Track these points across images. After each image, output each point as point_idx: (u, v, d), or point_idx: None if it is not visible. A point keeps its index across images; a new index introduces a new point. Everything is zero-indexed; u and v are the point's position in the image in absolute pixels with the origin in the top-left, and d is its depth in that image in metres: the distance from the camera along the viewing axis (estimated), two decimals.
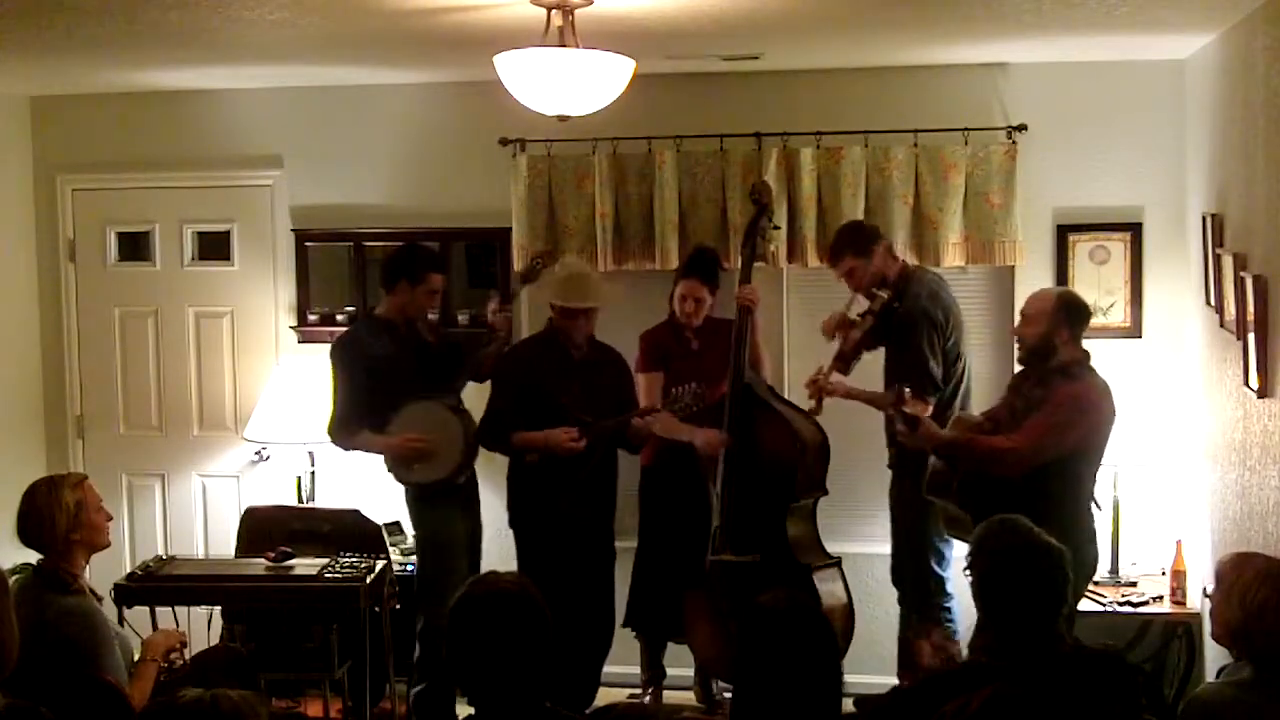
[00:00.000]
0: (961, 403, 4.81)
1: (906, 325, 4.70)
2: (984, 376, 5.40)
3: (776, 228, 5.17)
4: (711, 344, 4.97)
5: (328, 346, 5.80)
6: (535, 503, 4.87)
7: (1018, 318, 5.24)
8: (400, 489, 5.30)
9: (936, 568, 4.85)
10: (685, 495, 4.95)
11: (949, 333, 4.76)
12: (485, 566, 4.97)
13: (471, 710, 2.73)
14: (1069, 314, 4.27)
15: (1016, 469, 4.12)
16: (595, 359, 4.91)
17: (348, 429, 4.91)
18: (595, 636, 4.97)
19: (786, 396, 5.23)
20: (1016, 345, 4.40)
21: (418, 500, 5.00)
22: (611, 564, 5.00)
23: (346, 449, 5.03)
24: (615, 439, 4.87)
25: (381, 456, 4.96)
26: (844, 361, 4.77)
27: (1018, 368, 5.18)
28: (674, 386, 4.75)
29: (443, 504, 4.93)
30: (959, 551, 4.89)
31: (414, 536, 5.20)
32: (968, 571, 3.17)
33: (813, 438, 4.82)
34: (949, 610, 4.88)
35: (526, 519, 4.92)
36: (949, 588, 4.87)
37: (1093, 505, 4.30)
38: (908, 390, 4.23)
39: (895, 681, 5.00)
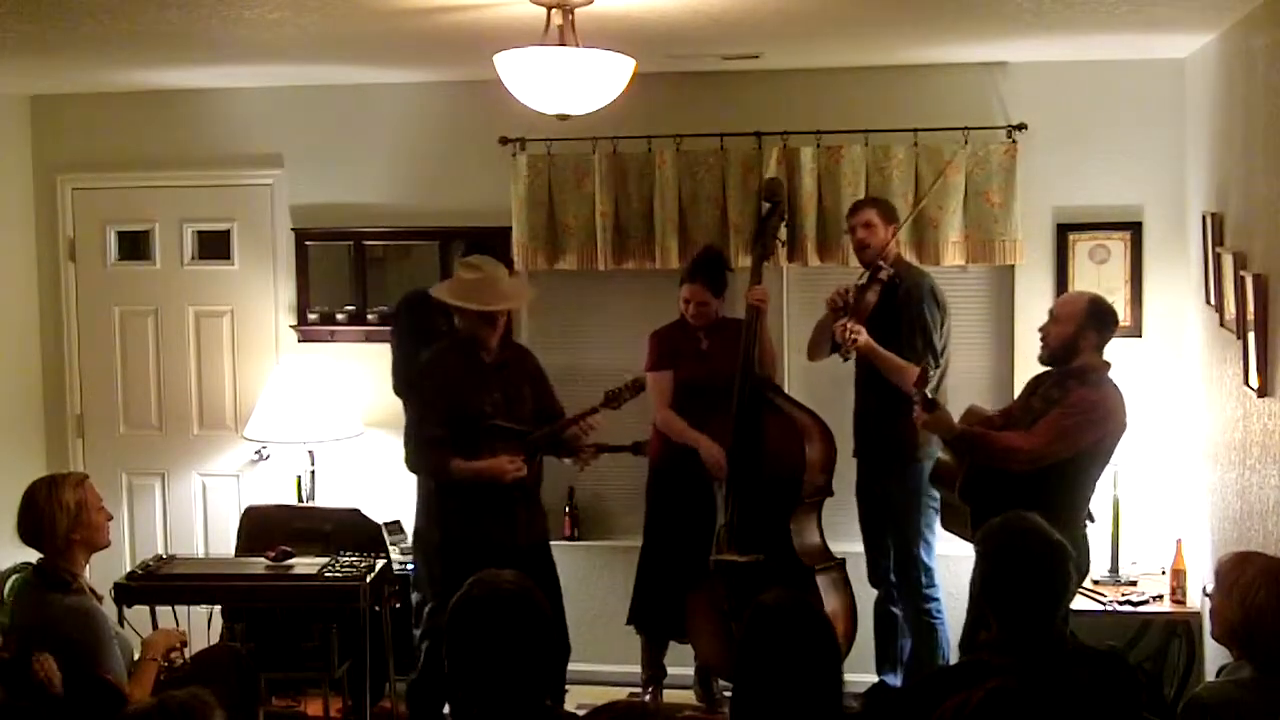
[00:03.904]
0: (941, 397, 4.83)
1: (912, 297, 4.73)
2: (984, 376, 5.42)
3: (789, 226, 5.18)
4: (721, 343, 4.96)
5: (328, 346, 5.87)
6: (468, 527, 4.59)
7: (1018, 316, 5.31)
8: (402, 488, 5.31)
9: (924, 557, 4.86)
10: (691, 494, 4.95)
11: (945, 316, 4.81)
12: None
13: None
14: (1098, 319, 4.28)
15: (1026, 467, 4.13)
16: (507, 360, 4.70)
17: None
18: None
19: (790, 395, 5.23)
20: (1040, 344, 4.38)
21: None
22: (556, 578, 4.75)
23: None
24: (551, 446, 4.70)
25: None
26: (859, 322, 4.74)
27: (1018, 368, 5.22)
28: (618, 386, 4.68)
29: None
30: (943, 549, 4.92)
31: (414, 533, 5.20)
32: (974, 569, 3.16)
33: (819, 438, 4.82)
34: (936, 601, 4.89)
35: (456, 543, 4.59)
36: (935, 578, 4.89)
37: (1087, 516, 4.30)
38: (931, 370, 4.21)
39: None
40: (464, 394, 4.58)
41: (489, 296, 4.56)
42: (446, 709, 4.97)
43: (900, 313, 4.72)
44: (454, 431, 4.55)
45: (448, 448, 4.53)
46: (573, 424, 4.61)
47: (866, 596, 5.03)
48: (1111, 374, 4.30)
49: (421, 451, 4.61)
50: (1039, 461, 4.13)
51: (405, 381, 5.01)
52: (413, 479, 5.16)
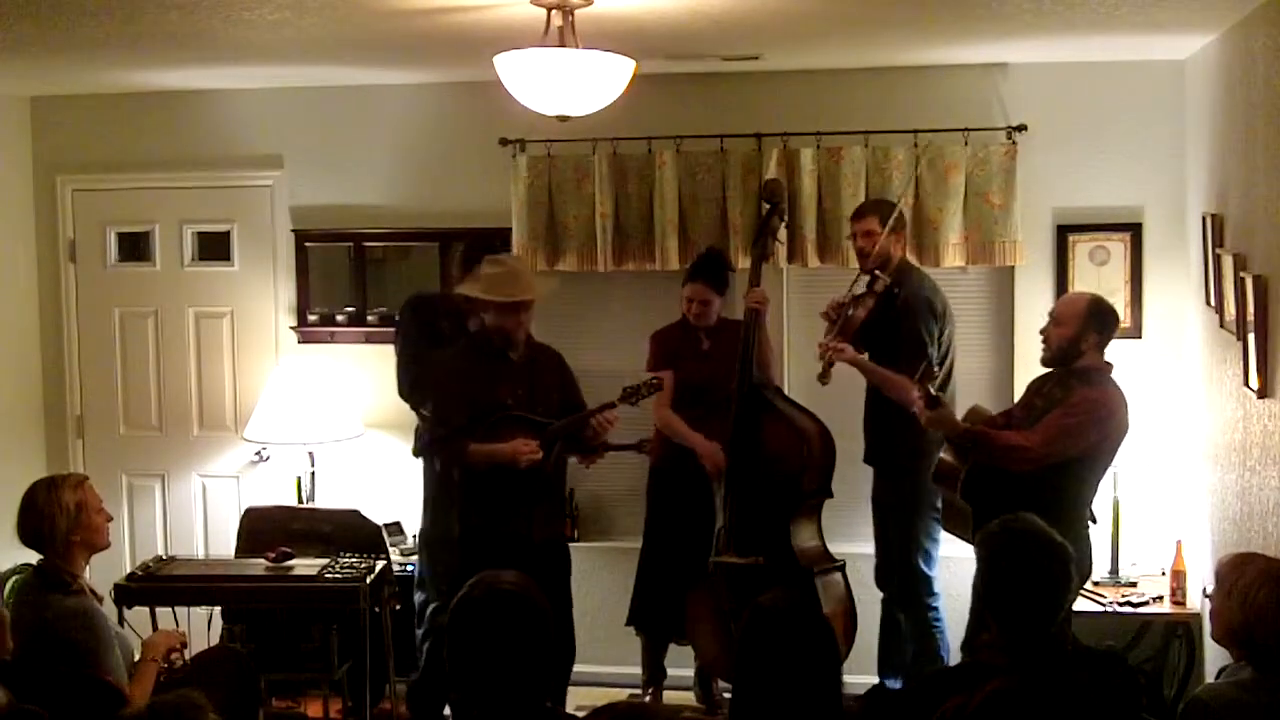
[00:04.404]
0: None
1: (908, 309, 4.72)
2: (984, 376, 5.42)
3: (788, 228, 5.17)
4: (722, 344, 4.95)
5: (328, 347, 5.87)
6: (485, 518, 4.60)
7: (1018, 316, 5.30)
8: (402, 489, 5.31)
9: (924, 567, 4.85)
10: (691, 496, 4.94)
11: (945, 325, 4.78)
12: None
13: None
14: (1099, 319, 4.29)
15: (1028, 466, 4.13)
16: (534, 358, 4.70)
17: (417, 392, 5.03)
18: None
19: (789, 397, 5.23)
20: (1042, 346, 4.38)
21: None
22: (567, 578, 4.75)
23: (418, 410, 5.09)
24: (570, 441, 4.67)
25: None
26: (846, 337, 4.74)
27: (1018, 368, 5.22)
28: (636, 383, 4.67)
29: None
30: (945, 551, 4.92)
31: (420, 533, 5.24)
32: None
33: (818, 440, 4.81)
34: (936, 610, 4.89)
35: (474, 534, 4.60)
36: (935, 587, 4.88)
37: (1089, 516, 4.30)
38: (936, 367, 4.20)
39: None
40: (487, 387, 4.58)
41: (514, 288, 4.56)
42: (447, 710, 4.99)
43: (897, 324, 4.71)
44: (473, 421, 4.55)
45: (466, 436, 4.53)
46: (590, 418, 4.59)
47: (871, 599, 5.03)
48: (1114, 375, 4.30)
49: (439, 439, 4.62)
50: (1042, 460, 4.13)
51: (412, 384, 5.04)
52: (414, 480, 5.18)
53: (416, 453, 5.12)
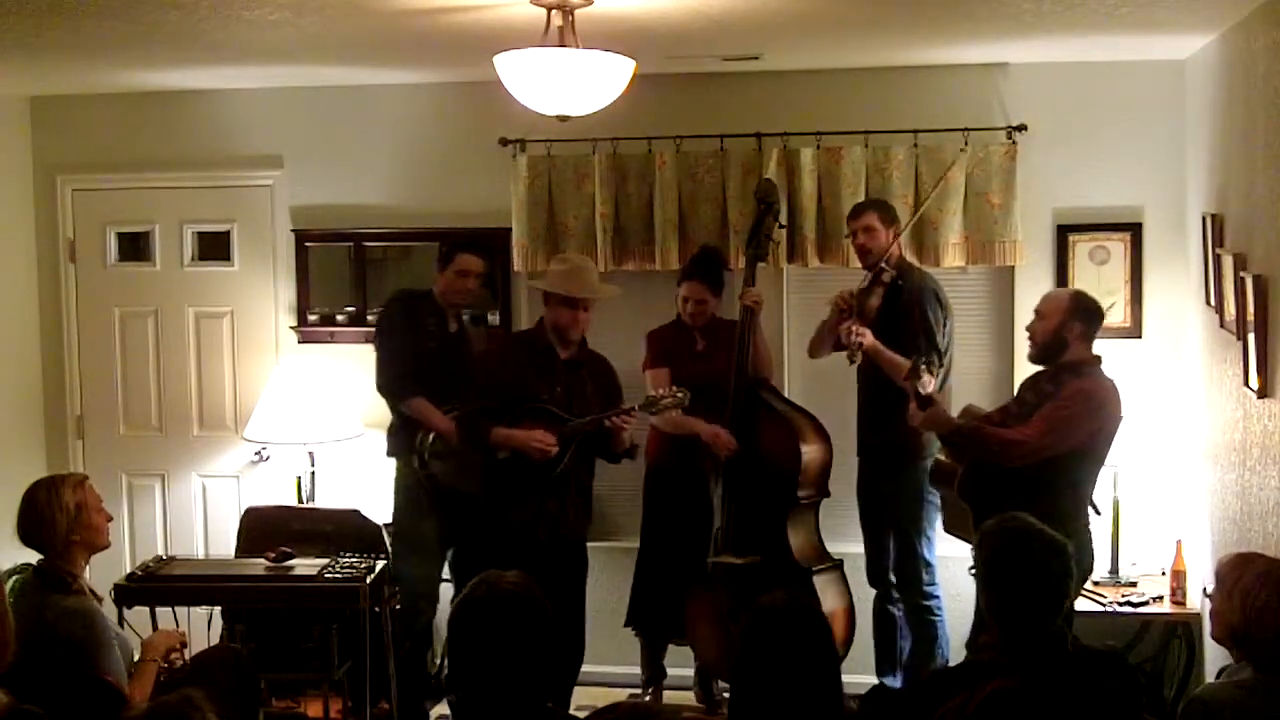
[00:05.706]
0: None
1: (913, 298, 4.75)
2: (984, 376, 5.42)
3: (783, 227, 5.17)
4: (717, 344, 4.95)
5: (328, 347, 5.87)
6: (497, 507, 4.68)
7: (1018, 316, 5.31)
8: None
9: (927, 553, 4.87)
10: (689, 495, 4.95)
11: (948, 317, 4.82)
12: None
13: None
14: (1082, 311, 4.30)
15: (1024, 461, 4.13)
16: (582, 361, 4.76)
17: (402, 387, 5.02)
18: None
19: (787, 396, 5.23)
20: (1028, 342, 4.40)
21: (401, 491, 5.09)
22: (581, 579, 4.81)
23: (397, 407, 5.08)
24: (593, 445, 4.70)
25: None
26: (865, 324, 4.74)
27: (1018, 368, 5.22)
28: (658, 388, 4.73)
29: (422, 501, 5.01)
30: (945, 551, 4.92)
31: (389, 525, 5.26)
32: (972, 570, 3.16)
33: (814, 439, 4.82)
34: (937, 599, 4.90)
35: (489, 521, 4.71)
36: (936, 576, 4.89)
37: (1091, 510, 4.30)
38: (923, 364, 4.20)
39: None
40: (524, 379, 4.66)
41: (573, 285, 4.66)
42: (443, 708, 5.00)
43: (903, 314, 4.73)
44: (504, 408, 4.62)
45: (491, 418, 4.62)
46: (605, 419, 4.62)
47: (867, 597, 5.03)
48: (1104, 368, 4.31)
49: (465, 416, 4.69)
50: (1036, 454, 4.13)
51: (396, 377, 5.04)
52: None
53: (390, 452, 5.12)
